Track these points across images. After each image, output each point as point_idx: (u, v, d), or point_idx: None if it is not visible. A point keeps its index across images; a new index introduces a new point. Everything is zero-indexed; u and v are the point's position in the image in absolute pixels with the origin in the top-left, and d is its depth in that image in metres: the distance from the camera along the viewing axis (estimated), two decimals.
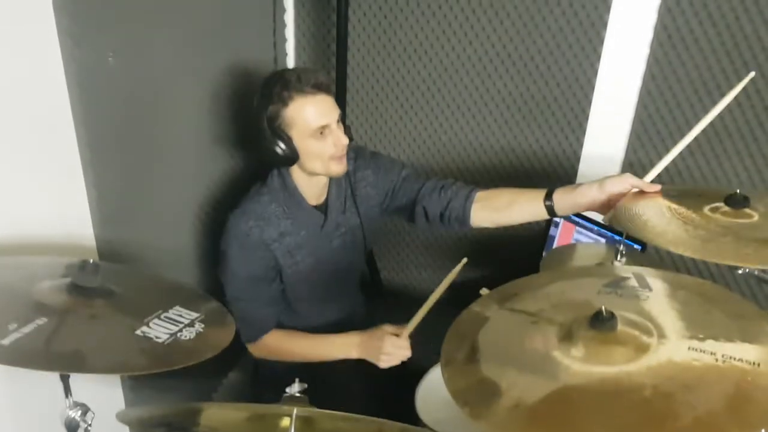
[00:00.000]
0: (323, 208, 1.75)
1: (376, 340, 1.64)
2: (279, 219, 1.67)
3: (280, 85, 1.55)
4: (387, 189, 1.81)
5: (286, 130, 1.57)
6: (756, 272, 1.47)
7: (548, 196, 1.56)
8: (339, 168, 1.63)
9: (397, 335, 1.63)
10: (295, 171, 1.67)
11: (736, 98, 1.82)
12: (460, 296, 1.18)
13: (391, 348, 1.62)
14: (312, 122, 1.56)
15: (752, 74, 1.49)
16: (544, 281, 1.24)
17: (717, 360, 0.86)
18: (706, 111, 1.86)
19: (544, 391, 0.88)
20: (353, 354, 1.67)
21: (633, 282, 1.11)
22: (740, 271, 1.46)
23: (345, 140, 1.60)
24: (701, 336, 0.92)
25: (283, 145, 1.57)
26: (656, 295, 1.07)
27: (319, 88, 1.56)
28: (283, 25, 2.25)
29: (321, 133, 1.57)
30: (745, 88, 1.80)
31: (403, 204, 1.80)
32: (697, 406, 0.80)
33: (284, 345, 1.75)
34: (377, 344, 1.63)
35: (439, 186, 1.74)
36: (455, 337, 1.03)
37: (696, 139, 1.90)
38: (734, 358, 0.86)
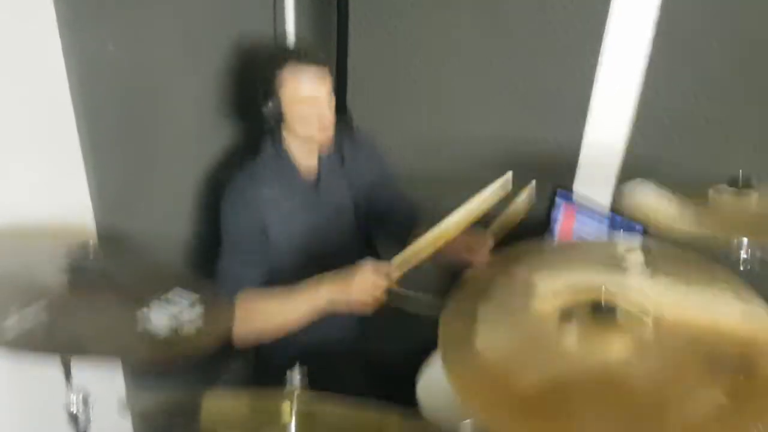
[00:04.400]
0: (315, 181, 1.79)
1: (348, 277, 1.51)
2: (272, 183, 1.71)
3: (279, 50, 1.68)
4: (373, 181, 1.91)
5: (276, 91, 1.64)
6: (758, 253, 1.46)
7: None
8: (321, 136, 1.69)
9: (375, 269, 1.50)
10: (288, 138, 1.73)
11: (738, 85, 1.82)
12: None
13: (362, 280, 1.49)
14: (300, 89, 1.63)
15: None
16: (551, 248, 1.24)
17: (712, 359, 0.85)
18: (708, 99, 1.86)
19: (539, 377, 0.89)
20: (321, 302, 1.51)
21: (641, 258, 1.09)
22: (742, 256, 1.45)
23: (330, 116, 1.67)
24: (705, 334, 0.91)
25: (271, 106, 1.65)
26: (663, 276, 1.05)
27: (315, 60, 1.64)
28: (284, 17, 2.24)
29: (307, 101, 1.64)
30: (748, 82, 1.80)
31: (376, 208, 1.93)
32: (687, 407, 0.80)
33: (254, 305, 1.61)
34: (348, 281, 1.50)
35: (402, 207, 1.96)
36: (455, 312, 1.03)
37: (700, 130, 1.91)
38: (730, 356, 0.85)
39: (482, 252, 1.68)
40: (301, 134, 1.70)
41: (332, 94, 1.70)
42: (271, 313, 1.62)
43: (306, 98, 1.64)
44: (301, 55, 1.64)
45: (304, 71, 1.63)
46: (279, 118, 1.67)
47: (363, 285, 1.51)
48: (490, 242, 1.69)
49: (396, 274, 1.51)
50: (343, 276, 1.53)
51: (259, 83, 1.67)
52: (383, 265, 1.52)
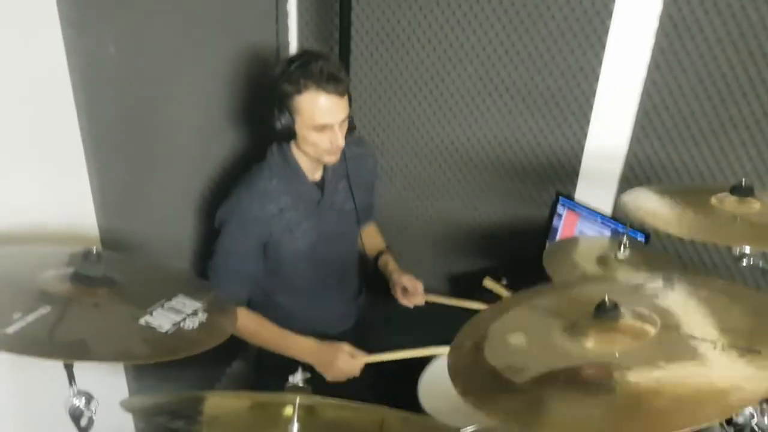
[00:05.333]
0: (320, 184, 1.80)
1: (331, 355, 1.68)
2: (280, 194, 1.72)
3: (301, 70, 1.59)
4: (369, 182, 1.99)
5: (292, 112, 1.63)
6: (760, 263, 1.46)
7: (377, 258, 2.04)
8: (330, 160, 1.71)
9: (352, 356, 1.69)
10: (296, 151, 1.74)
11: (741, 89, 1.82)
12: (463, 285, 1.18)
13: (343, 365, 1.67)
14: (316, 118, 1.61)
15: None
16: (566, 284, 1.24)
17: (710, 384, 0.83)
18: (710, 101, 1.87)
19: (538, 376, 0.89)
20: (306, 358, 1.63)
21: (659, 285, 1.09)
22: (744, 263, 1.45)
23: (341, 142, 1.66)
24: (704, 355, 0.89)
25: (284, 123, 1.64)
26: (676, 302, 1.05)
27: (336, 88, 1.60)
28: (286, 15, 2.25)
29: (322, 128, 1.63)
30: (750, 79, 1.81)
31: None
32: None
33: (249, 326, 1.74)
34: (330, 358, 1.67)
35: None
36: (469, 329, 1.04)
37: (701, 130, 1.91)
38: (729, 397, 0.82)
39: (415, 299, 1.91)
40: (311, 154, 1.71)
41: (347, 118, 1.68)
42: (260, 340, 1.78)
43: (320, 126, 1.63)
44: (322, 81, 1.58)
45: (323, 100, 1.60)
46: (291, 134, 1.67)
47: (339, 372, 1.67)
48: (422, 297, 1.91)
49: (368, 361, 1.69)
50: (324, 355, 1.68)
51: (276, 98, 1.65)
52: (360, 356, 1.68)
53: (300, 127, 1.64)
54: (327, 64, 1.60)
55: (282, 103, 1.63)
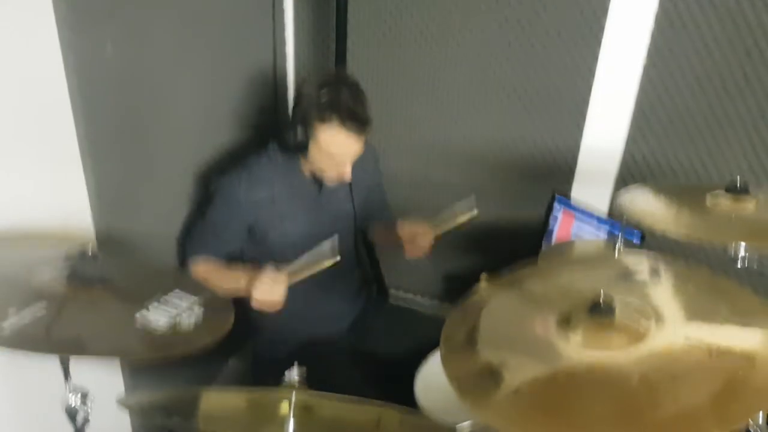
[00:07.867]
0: (319, 187, 1.80)
1: (254, 280, 1.62)
2: (273, 182, 1.72)
3: (330, 101, 1.59)
4: (370, 186, 1.95)
5: (309, 135, 1.63)
6: (756, 265, 1.47)
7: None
8: (330, 182, 1.73)
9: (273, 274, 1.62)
10: (303, 159, 1.72)
11: (737, 87, 1.83)
12: (460, 285, 1.18)
13: (265, 279, 1.60)
14: (331, 149, 1.63)
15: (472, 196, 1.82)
16: (555, 269, 1.25)
17: (711, 354, 0.86)
18: (707, 99, 1.87)
19: (536, 374, 0.89)
20: (241, 291, 1.61)
21: (645, 270, 1.10)
22: (739, 265, 1.46)
23: (348, 171, 1.68)
24: (700, 329, 0.91)
25: (299, 138, 1.64)
26: (665, 284, 1.07)
27: (358, 128, 1.61)
28: (282, 12, 2.24)
29: (333, 158, 1.65)
30: (746, 77, 1.81)
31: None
32: (680, 398, 0.80)
33: (203, 272, 1.73)
34: (255, 277, 1.62)
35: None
36: (457, 318, 1.04)
37: (697, 128, 1.91)
38: (730, 353, 0.86)
39: (424, 245, 1.82)
40: (316, 171, 1.72)
41: (362, 148, 1.68)
42: (212, 283, 1.63)
43: (334, 155, 1.64)
44: (346, 119, 1.60)
45: (343, 136, 1.61)
46: (302, 148, 1.67)
47: (262, 289, 1.60)
48: (431, 237, 1.82)
49: (288, 281, 1.62)
50: (252, 276, 1.63)
51: (296, 114, 1.65)
52: (278, 274, 1.61)
53: (312, 149, 1.65)
54: (355, 100, 1.61)
55: (303, 122, 1.63)
